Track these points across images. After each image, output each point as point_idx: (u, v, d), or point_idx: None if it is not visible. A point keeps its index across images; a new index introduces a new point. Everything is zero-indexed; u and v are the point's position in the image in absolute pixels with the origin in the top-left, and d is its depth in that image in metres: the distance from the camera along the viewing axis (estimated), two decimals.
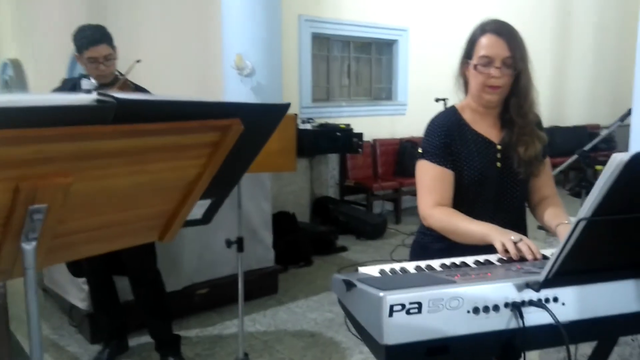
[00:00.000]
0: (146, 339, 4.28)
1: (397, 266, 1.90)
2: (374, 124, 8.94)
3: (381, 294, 1.41)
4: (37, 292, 1.27)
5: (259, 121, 1.42)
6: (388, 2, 9.01)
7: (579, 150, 4.26)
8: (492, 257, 1.98)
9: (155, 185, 1.38)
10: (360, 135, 7.81)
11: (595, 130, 11.60)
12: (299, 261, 6.48)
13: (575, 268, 1.48)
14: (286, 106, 1.48)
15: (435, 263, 1.92)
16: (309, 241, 6.71)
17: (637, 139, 3.26)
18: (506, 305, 1.48)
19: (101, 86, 3.68)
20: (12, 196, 1.13)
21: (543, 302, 1.50)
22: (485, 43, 2.24)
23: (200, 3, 7.40)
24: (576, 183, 4.48)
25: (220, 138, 1.35)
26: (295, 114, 5.06)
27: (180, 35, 7.29)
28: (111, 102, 1.10)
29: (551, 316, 1.46)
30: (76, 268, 3.90)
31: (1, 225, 1.19)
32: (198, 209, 1.57)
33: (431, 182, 2.33)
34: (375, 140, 8.92)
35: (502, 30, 2.25)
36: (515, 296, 1.49)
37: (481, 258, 1.98)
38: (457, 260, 1.96)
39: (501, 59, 2.21)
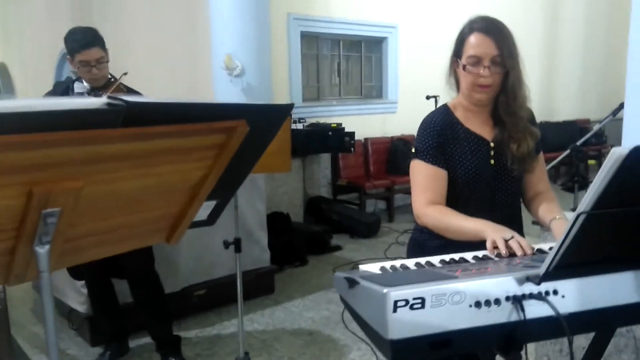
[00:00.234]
0: (146, 340, 4.30)
1: (397, 263, 1.92)
2: (365, 122, 8.96)
3: (385, 290, 1.43)
4: (52, 295, 1.29)
5: (263, 122, 1.44)
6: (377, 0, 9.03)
7: (571, 145, 4.29)
8: (490, 253, 2.00)
9: (162, 187, 1.39)
10: (352, 134, 7.83)
11: (585, 125, 11.66)
12: (294, 261, 6.51)
13: (575, 261, 1.50)
14: (290, 107, 1.51)
15: (435, 259, 1.94)
16: (303, 241, 6.74)
17: (629, 132, 3.28)
18: (507, 298, 1.50)
19: (93, 89, 3.68)
20: (25, 200, 1.15)
21: (543, 295, 1.52)
22: (474, 42, 2.23)
23: (188, 3, 7.39)
24: (569, 178, 4.50)
25: (226, 140, 1.37)
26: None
27: (168, 36, 7.28)
28: (121, 106, 1.11)
29: (552, 308, 1.48)
30: (75, 271, 3.91)
31: (15, 230, 1.20)
32: (203, 210, 1.59)
33: (425, 181, 2.34)
34: (366, 139, 8.94)
35: (490, 28, 2.23)
36: (516, 290, 1.51)
37: (479, 254, 2.00)
38: (456, 256, 1.98)
39: (490, 58, 2.21)
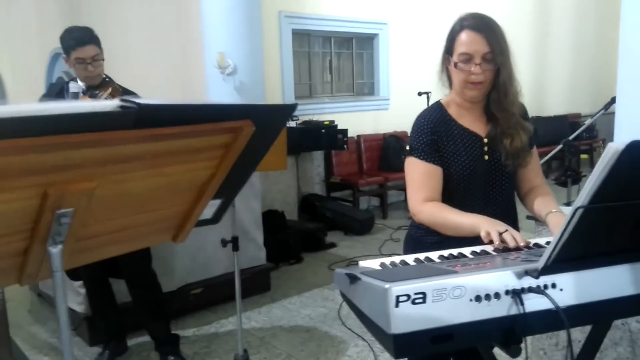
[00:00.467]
0: (145, 339, 4.32)
1: (397, 259, 1.94)
2: (358, 119, 8.98)
3: (387, 285, 1.44)
4: (66, 294, 1.31)
5: (268, 122, 1.46)
6: None
7: (564, 140, 4.32)
8: (488, 248, 2.03)
9: (170, 187, 1.42)
10: (345, 131, 7.85)
11: (576, 120, 11.70)
12: (289, 259, 6.54)
13: (573, 255, 1.53)
14: (293, 107, 1.53)
15: (434, 255, 1.97)
16: (298, 239, 6.76)
17: (621, 127, 3.31)
18: (507, 292, 1.52)
19: (89, 89, 3.70)
20: (40, 202, 1.17)
21: (542, 288, 1.55)
22: (464, 40, 2.24)
23: (179, 3, 7.39)
24: (562, 172, 4.53)
25: (233, 139, 1.39)
26: None
27: (160, 37, 7.28)
28: (133, 108, 1.14)
29: (551, 302, 1.51)
30: (73, 272, 3.93)
31: (29, 230, 1.23)
32: (209, 209, 1.61)
33: (420, 178, 2.36)
34: (359, 136, 8.96)
35: (480, 25, 2.24)
36: (515, 283, 1.53)
37: (477, 249, 2.02)
38: (455, 251, 2.01)
39: (481, 55, 2.22)
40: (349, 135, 8.03)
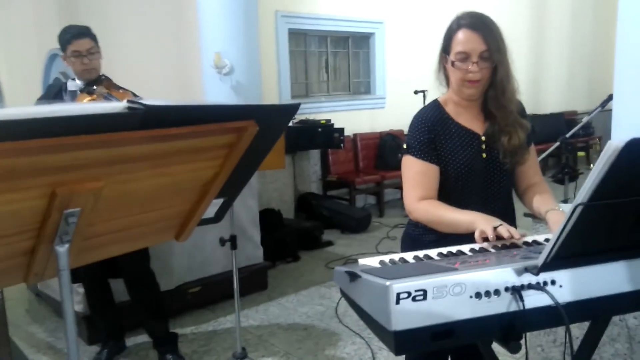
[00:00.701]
0: (143, 338, 4.33)
1: (396, 257, 1.95)
2: (354, 118, 8.99)
3: (387, 282, 1.45)
4: (72, 292, 1.32)
5: (271, 122, 1.48)
6: None
7: (561, 137, 4.32)
8: (487, 245, 2.03)
9: (175, 186, 1.44)
10: (341, 130, 7.85)
11: (573, 117, 11.70)
12: (286, 257, 6.55)
13: (572, 251, 1.54)
14: (296, 107, 1.55)
15: (433, 252, 1.97)
16: (295, 237, 6.77)
17: (619, 124, 3.32)
18: (507, 289, 1.53)
19: (87, 85, 3.73)
20: (48, 201, 1.18)
21: (542, 285, 1.56)
22: (461, 38, 2.25)
23: (176, 3, 7.39)
24: (559, 170, 4.53)
25: (237, 139, 1.41)
26: None
27: (157, 37, 7.28)
28: (140, 109, 1.15)
29: (551, 298, 1.52)
30: (73, 273, 3.93)
31: (36, 229, 1.24)
32: (211, 208, 1.62)
33: (416, 176, 2.36)
34: (355, 135, 8.97)
35: (477, 24, 2.25)
36: (515, 280, 1.54)
37: (476, 246, 2.03)
38: (453, 249, 2.02)
39: (478, 54, 2.22)
40: (346, 133, 8.04)
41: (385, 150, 8.93)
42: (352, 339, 4.34)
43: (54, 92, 3.92)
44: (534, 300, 1.55)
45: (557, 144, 4.37)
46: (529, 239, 2.07)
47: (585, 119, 4.66)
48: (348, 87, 9.47)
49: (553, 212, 2.26)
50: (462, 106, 2.40)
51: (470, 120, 2.40)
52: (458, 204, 2.31)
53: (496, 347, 1.71)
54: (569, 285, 1.58)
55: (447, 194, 2.37)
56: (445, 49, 2.33)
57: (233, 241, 3.65)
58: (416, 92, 7.83)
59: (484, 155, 2.38)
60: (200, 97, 7.09)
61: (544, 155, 4.42)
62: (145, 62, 7.11)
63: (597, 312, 1.71)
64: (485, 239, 2.01)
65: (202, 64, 6.84)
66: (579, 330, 2.60)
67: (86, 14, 7.05)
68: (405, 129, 2.47)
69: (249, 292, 5.33)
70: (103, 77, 3.80)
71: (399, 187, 8.41)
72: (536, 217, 2.49)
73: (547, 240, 2.02)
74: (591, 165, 10.85)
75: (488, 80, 2.30)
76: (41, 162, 1.09)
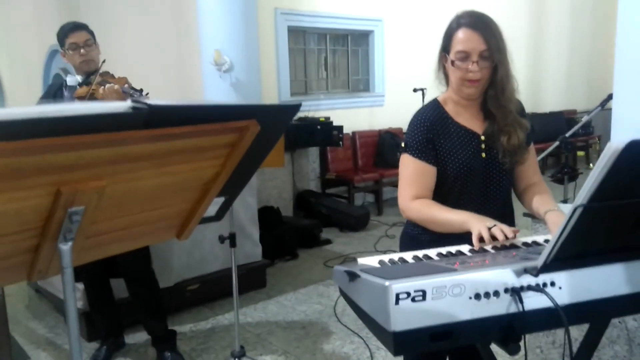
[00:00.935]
0: (142, 335, 4.34)
1: (395, 257, 1.95)
2: (353, 116, 9.00)
3: (387, 283, 1.46)
4: (75, 290, 1.33)
5: (272, 121, 1.49)
6: None
7: (560, 136, 4.31)
8: (486, 245, 2.03)
9: (177, 185, 1.45)
10: (340, 128, 7.86)
11: (572, 116, 11.69)
12: (285, 255, 6.56)
13: (572, 253, 1.54)
14: (297, 107, 1.55)
15: (432, 252, 1.97)
16: (294, 235, 6.77)
17: (618, 123, 3.32)
18: (506, 290, 1.53)
19: (85, 79, 3.77)
20: (52, 200, 1.20)
21: (541, 286, 1.56)
22: (461, 38, 2.24)
23: (176, 1, 7.39)
24: (559, 169, 4.53)
25: (238, 138, 1.42)
26: None
27: (157, 34, 7.28)
28: (144, 109, 1.16)
29: (550, 300, 1.52)
30: (74, 273, 3.94)
31: (41, 227, 1.26)
32: (212, 207, 1.63)
33: (412, 175, 2.37)
34: (354, 133, 8.97)
35: (477, 23, 2.25)
36: (515, 281, 1.54)
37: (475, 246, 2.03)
38: (453, 249, 2.02)
39: (478, 53, 2.22)
40: (344, 131, 8.04)
41: (384, 148, 8.93)
42: (351, 338, 4.34)
43: (54, 90, 3.97)
44: (533, 301, 1.55)
45: (557, 143, 4.36)
46: (529, 239, 2.07)
47: (585, 118, 4.65)
48: (347, 85, 9.47)
49: (552, 212, 2.25)
50: (462, 105, 2.40)
51: (470, 120, 2.40)
52: (457, 203, 2.31)
53: (495, 347, 1.71)
54: (568, 287, 1.59)
55: (446, 193, 2.38)
56: (445, 48, 2.33)
57: (232, 239, 3.65)
58: (415, 90, 7.82)
59: (483, 154, 2.37)
60: (199, 94, 7.09)
61: (543, 154, 4.41)
62: (144, 59, 7.11)
63: (597, 314, 1.71)
64: (482, 240, 2.01)
65: (202, 61, 6.84)
66: (578, 332, 2.59)
67: (86, 10, 7.05)
68: (404, 127, 2.47)
69: (247, 290, 5.34)
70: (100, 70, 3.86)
71: (397, 185, 8.39)
72: (535, 217, 2.48)
73: (546, 241, 2.02)
74: (591, 165, 10.87)
75: (488, 79, 2.29)
76: (46, 161, 1.10)
